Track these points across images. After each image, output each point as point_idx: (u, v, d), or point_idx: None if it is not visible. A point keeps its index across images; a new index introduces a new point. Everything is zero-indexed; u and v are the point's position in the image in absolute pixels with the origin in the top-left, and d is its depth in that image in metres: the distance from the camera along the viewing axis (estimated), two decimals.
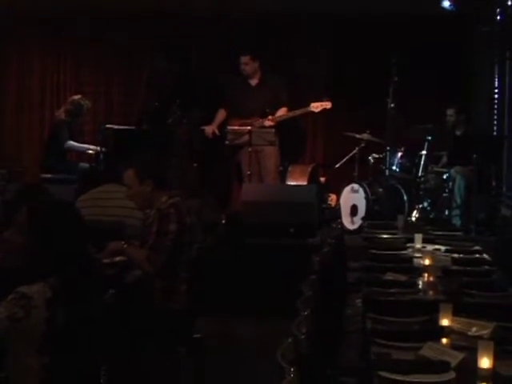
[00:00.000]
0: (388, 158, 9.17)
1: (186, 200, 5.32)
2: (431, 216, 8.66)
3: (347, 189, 9.00)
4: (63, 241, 3.01)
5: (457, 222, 8.32)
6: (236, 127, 8.96)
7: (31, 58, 10.99)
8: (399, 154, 9.13)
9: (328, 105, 8.99)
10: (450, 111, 9.08)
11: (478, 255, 5.05)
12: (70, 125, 9.44)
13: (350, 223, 8.86)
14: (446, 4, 9.67)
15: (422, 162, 8.89)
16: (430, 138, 8.91)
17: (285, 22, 10.54)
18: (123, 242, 4.76)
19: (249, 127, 8.78)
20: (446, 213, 8.64)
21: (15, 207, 3.29)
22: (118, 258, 4.74)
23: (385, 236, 5.88)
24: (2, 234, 3.20)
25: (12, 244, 3.06)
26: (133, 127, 9.70)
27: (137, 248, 4.83)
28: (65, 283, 2.95)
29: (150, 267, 4.67)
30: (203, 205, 7.81)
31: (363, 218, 8.44)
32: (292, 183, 9.21)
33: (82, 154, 9.75)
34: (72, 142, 9.36)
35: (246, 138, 8.76)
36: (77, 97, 9.72)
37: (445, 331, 3.07)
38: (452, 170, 8.71)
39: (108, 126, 9.39)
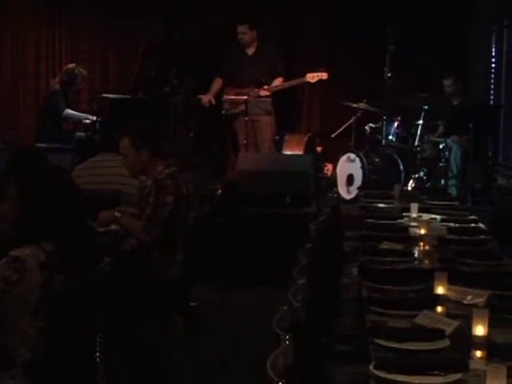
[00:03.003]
0: (384, 128, 9.15)
1: (182, 169, 5.31)
2: (427, 185, 8.66)
3: (343, 158, 8.99)
4: (53, 206, 2.99)
5: (453, 191, 8.32)
6: (232, 96, 8.93)
7: (26, 26, 10.89)
8: (396, 124, 9.12)
9: (324, 75, 8.95)
10: (447, 82, 9.05)
11: (473, 224, 5.05)
12: (65, 94, 9.40)
13: (346, 193, 8.87)
14: None
15: (419, 132, 8.88)
16: (426, 107, 8.88)
17: None
18: (116, 213, 4.76)
19: (245, 97, 8.75)
20: (442, 182, 8.64)
21: (6, 178, 3.27)
22: (113, 227, 4.75)
23: (381, 205, 5.87)
24: None
25: (6, 216, 3.05)
26: (129, 96, 9.66)
27: (132, 217, 4.82)
28: (58, 248, 2.94)
29: (146, 237, 4.69)
30: (199, 174, 7.80)
31: (359, 188, 8.44)
32: (288, 153, 9.20)
33: (78, 123, 9.72)
34: (69, 111, 9.34)
35: (242, 107, 8.73)
36: (71, 65, 9.66)
37: (440, 299, 3.08)
38: (448, 140, 8.70)
39: (104, 95, 9.35)
